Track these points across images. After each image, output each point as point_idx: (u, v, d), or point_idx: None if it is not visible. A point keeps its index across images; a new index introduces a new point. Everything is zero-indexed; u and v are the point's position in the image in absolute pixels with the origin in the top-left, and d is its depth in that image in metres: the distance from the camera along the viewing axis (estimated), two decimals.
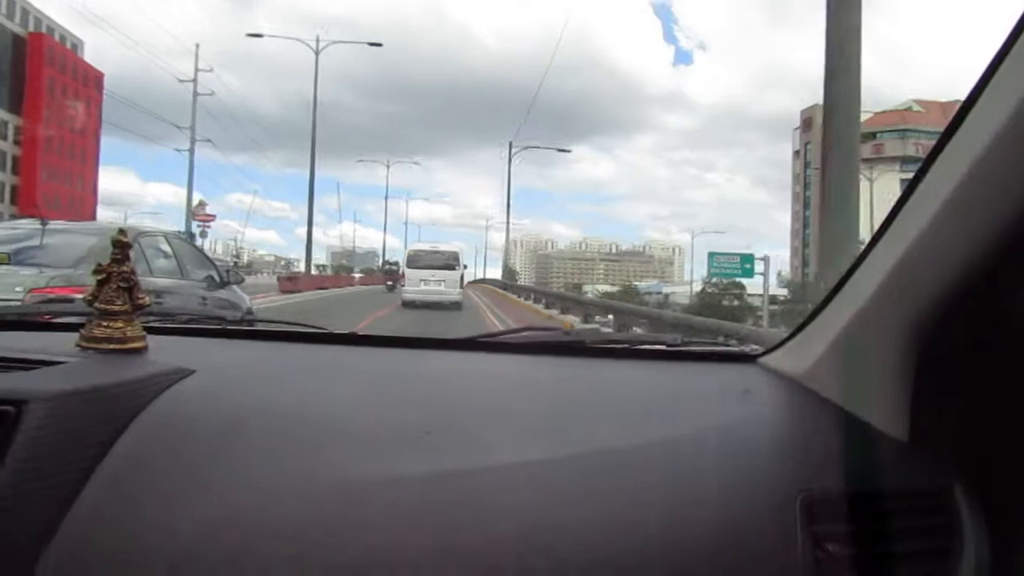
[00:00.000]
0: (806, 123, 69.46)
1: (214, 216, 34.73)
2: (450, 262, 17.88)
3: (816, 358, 0.92)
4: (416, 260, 17.93)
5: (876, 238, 0.82)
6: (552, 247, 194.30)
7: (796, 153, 74.06)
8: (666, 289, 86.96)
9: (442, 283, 17.24)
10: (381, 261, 57.41)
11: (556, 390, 0.93)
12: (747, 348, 1.11)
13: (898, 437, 0.82)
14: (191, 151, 29.33)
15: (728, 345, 1.19)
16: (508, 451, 0.70)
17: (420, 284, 17.15)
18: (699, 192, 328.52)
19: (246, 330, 1.09)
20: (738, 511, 0.69)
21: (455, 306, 16.61)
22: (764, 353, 1.05)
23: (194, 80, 29.79)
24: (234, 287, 6.10)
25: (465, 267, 19.42)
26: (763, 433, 0.83)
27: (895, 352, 0.81)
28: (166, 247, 5.38)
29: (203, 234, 32.86)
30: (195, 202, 34.33)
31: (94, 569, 0.58)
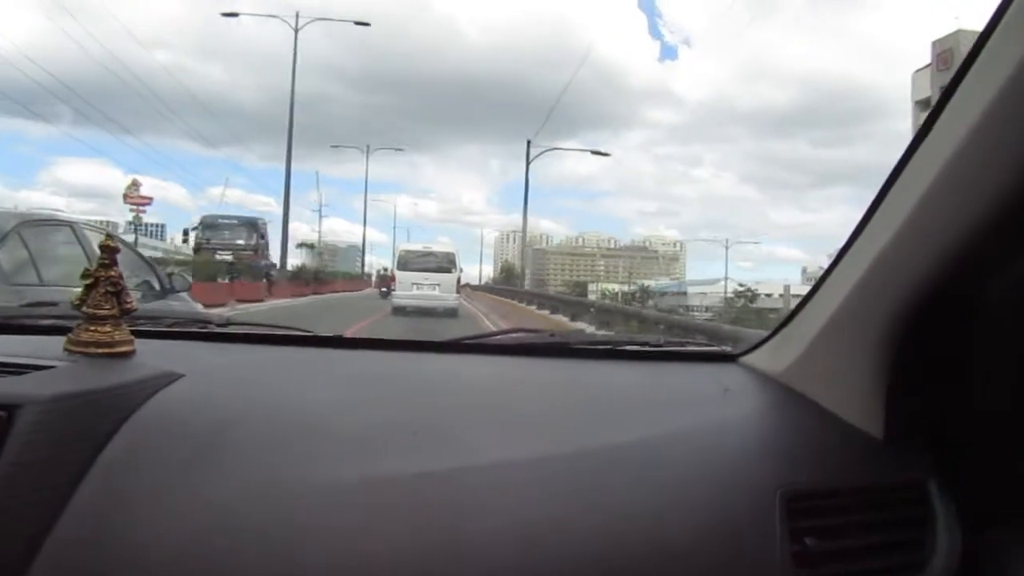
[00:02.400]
0: (942, 59, 43.71)
1: (150, 199, 28.34)
2: (445, 264, 16.68)
3: (795, 357, 0.93)
4: (407, 262, 16.73)
5: (852, 239, 0.84)
6: (547, 242, 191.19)
7: (920, 104, 44.81)
8: (694, 289, 68.74)
9: (436, 287, 15.99)
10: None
11: (541, 391, 0.95)
12: (728, 348, 1.13)
13: (874, 434, 0.84)
14: None
15: (709, 345, 1.21)
16: (493, 451, 0.72)
17: (412, 288, 15.94)
18: (685, 188, 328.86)
19: (234, 333, 1.10)
20: (718, 508, 0.70)
21: (451, 313, 15.47)
22: (744, 352, 1.07)
23: None
24: (183, 295, 4.86)
25: (461, 270, 18.00)
26: (743, 431, 0.85)
27: (870, 351, 0.83)
28: (70, 241, 3.89)
29: (136, 220, 26.90)
30: (128, 182, 27.63)
31: (87, 570, 0.59)
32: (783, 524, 0.70)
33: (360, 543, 0.61)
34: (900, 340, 0.82)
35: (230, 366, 0.94)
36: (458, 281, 16.98)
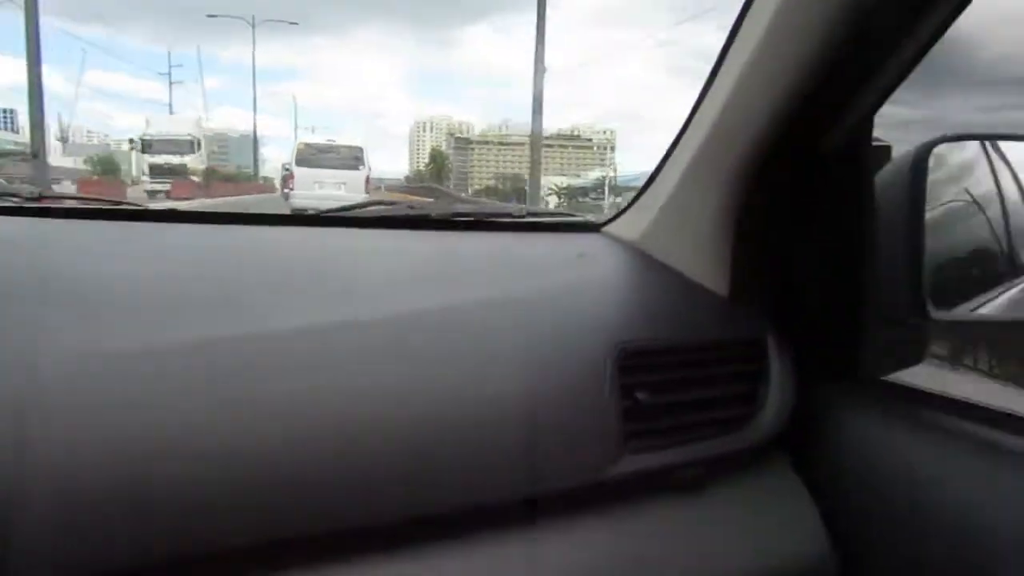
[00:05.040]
0: None
1: None
2: (351, 161, 14.70)
3: (650, 222, 0.93)
4: (308, 158, 14.56)
5: (698, 103, 0.82)
6: (469, 131, 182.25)
7: None
8: None
9: (342, 186, 13.78)
10: None
11: (396, 263, 0.89)
12: (592, 217, 1.10)
13: (719, 292, 0.86)
14: None
15: (573, 215, 1.19)
16: (301, 319, 0.66)
17: (314, 187, 13.74)
18: (597, 76, 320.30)
19: (42, 208, 0.97)
20: (554, 368, 0.70)
21: None
22: (608, 222, 1.04)
23: None
24: None
25: (370, 168, 15.83)
26: (589, 294, 0.84)
27: (714, 210, 0.83)
28: None
29: None
30: None
31: None
32: (614, 380, 0.71)
33: (135, 415, 0.55)
34: (743, 198, 0.81)
35: (23, 237, 0.83)
36: (366, 180, 15.07)
